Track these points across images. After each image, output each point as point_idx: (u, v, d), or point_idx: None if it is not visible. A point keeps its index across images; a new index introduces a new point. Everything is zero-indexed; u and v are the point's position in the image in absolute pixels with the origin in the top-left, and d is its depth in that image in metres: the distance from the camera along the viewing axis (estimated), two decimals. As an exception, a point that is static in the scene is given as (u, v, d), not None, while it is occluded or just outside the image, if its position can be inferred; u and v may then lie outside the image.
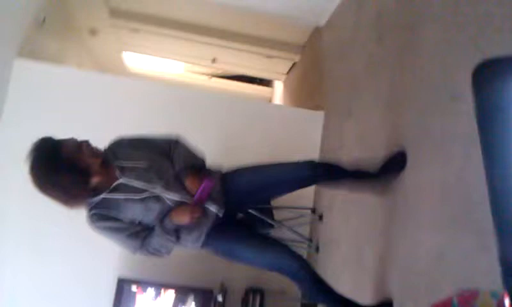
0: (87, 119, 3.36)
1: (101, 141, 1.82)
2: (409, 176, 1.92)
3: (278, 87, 7.02)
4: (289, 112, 4.16)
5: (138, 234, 1.79)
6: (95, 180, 1.71)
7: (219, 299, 3.05)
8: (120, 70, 6.58)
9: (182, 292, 3.25)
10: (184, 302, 3.26)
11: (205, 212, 1.85)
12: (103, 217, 1.76)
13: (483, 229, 1.35)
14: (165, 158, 1.88)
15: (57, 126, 3.23)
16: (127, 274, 3.19)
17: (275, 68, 5.95)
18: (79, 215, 1.81)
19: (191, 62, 6.73)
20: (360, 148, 2.69)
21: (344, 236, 2.69)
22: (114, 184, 1.77)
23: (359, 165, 2.07)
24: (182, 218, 1.79)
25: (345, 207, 2.73)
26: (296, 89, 5.52)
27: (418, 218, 1.80)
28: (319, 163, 2.18)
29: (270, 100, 7.45)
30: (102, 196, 1.76)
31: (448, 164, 1.64)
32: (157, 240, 1.78)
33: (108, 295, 3.18)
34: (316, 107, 3.79)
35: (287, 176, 1.96)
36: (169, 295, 3.24)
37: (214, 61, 6.04)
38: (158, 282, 3.20)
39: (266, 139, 3.52)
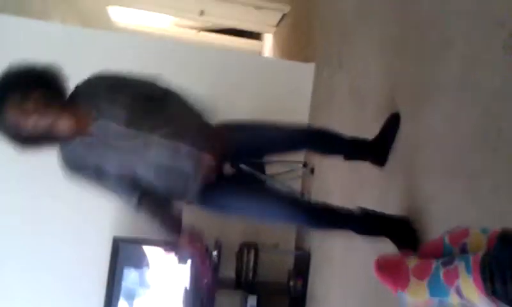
0: (72, 74, 3.24)
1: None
2: (404, 127, 1.89)
3: (268, 40, 6.85)
4: (278, 64, 4.07)
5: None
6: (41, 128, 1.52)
7: (214, 254, 3.08)
8: (105, 26, 6.37)
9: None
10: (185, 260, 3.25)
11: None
12: (79, 165, 1.62)
13: (474, 177, 1.34)
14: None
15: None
16: (122, 232, 3.19)
17: (264, 19, 5.78)
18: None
19: (178, 15, 6.52)
20: (351, 101, 2.64)
21: (338, 187, 2.69)
22: (91, 127, 1.58)
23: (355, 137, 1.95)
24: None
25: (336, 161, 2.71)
26: (286, 42, 5.38)
27: (412, 166, 1.78)
28: (317, 131, 2.01)
29: (260, 54, 7.29)
30: (77, 141, 1.59)
31: (439, 112, 1.61)
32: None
33: (104, 255, 3.18)
34: (306, 59, 3.70)
35: (283, 141, 1.86)
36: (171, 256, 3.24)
37: (201, 13, 5.86)
38: (152, 240, 3.20)
39: (256, 93, 3.44)
